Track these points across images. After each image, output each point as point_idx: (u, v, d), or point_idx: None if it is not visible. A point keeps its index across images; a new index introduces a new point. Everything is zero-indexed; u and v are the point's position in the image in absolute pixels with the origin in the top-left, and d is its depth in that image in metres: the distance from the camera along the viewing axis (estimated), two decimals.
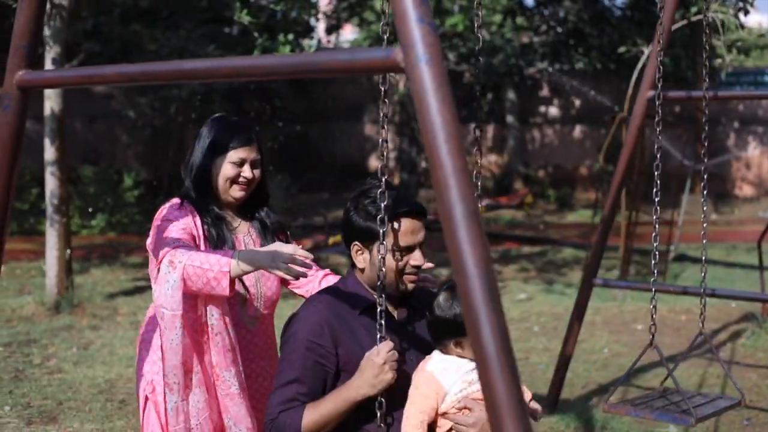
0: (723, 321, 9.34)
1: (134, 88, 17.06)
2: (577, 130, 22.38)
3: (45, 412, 6.24)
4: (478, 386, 2.73)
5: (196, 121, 20.96)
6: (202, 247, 3.43)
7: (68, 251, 9.63)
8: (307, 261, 3.15)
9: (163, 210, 3.50)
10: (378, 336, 2.93)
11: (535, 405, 3.18)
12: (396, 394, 2.99)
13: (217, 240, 3.48)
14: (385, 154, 2.97)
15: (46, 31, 9.39)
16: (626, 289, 9.82)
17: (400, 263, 3.06)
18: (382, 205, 2.86)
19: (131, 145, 18.53)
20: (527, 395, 3.11)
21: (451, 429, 3.02)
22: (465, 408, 3.00)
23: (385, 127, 3.02)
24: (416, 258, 3.07)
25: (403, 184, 18.15)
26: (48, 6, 9.30)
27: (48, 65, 9.40)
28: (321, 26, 22.41)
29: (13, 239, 14.75)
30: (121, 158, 20.42)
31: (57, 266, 9.53)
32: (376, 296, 2.93)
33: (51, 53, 9.38)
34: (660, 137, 4.71)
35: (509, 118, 21.60)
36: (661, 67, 5.15)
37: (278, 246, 3.20)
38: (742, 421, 6.33)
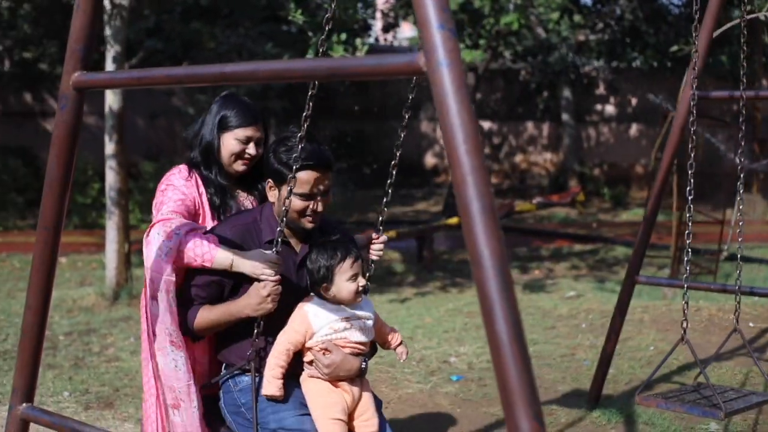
0: None
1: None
2: (633, 129, 22.29)
3: (102, 398, 6.48)
4: (342, 335, 3.54)
5: None
6: (206, 212, 3.78)
7: (127, 244, 9.89)
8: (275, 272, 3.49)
9: (171, 175, 3.81)
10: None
11: (402, 349, 3.78)
12: (278, 317, 3.52)
13: (219, 206, 3.81)
14: (401, 138, 3.72)
15: (107, 31, 9.66)
16: (667, 287, 9.83)
17: (301, 206, 3.54)
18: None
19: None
20: (397, 339, 3.79)
21: (312, 362, 3.56)
22: (326, 350, 3.52)
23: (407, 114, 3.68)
24: (317, 205, 3.56)
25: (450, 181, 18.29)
26: (108, 6, 9.57)
27: (108, 64, 9.67)
28: (379, 24, 22.56)
29: (75, 232, 15.14)
30: (181, 154, 20.76)
31: (116, 259, 9.81)
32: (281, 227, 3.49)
33: (111, 52, 9.64)
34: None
35: (565, 116, 21.58)
36: (698, 68, 5.23)
37: (260, 256, 3.48)
38: None
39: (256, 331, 3.51)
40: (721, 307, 9.77)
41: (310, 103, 3.37)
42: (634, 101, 22.16)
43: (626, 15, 18.68)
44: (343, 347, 3.54)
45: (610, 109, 22.59)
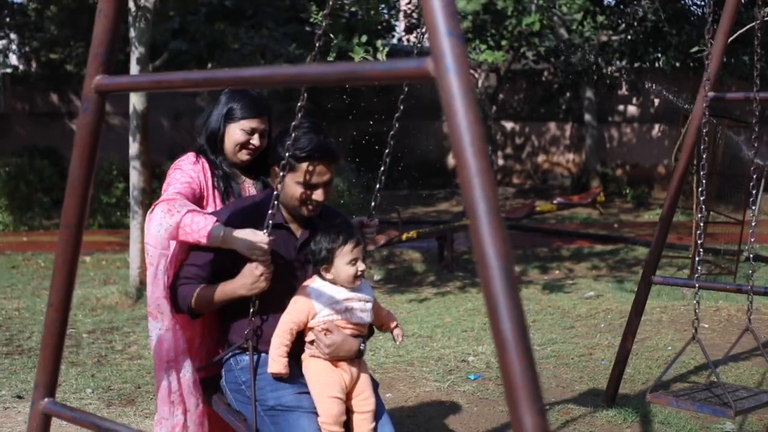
0: None
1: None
2: (656, 129, 22.27)
3: (124, 395, 6.59)
4: (343, 315, 3.65)
5: (279, 119, 21.43)
6: (211, 196, 3.96)
7: None
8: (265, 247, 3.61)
9: (180, 161, 4.01)
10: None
11: (398, 331, 3.91)
12: (277, 298, 3.66)
13: (224, 191, 3.99)
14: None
15: (132, 33, 9.79)
16: (683, 287, 9.85)
17: (303, 195, 3.67)
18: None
19: None
20: (393, 322, 3.91)
21: (312, 341, 3.67)
22: (327, 330, 3.64)
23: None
24: (317, 194, 3.68)
25: None
26: (133, 8, 9.69)
27: (133, 65, 9.80)
28: (402, 25, 22.61)
29: (100, 232, 15.30)
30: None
31: (140, 258, 9.92)
32: (283, 213, 3.72)
33: (135, 54, 9.77)
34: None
35: (587, 117, 21.59)
36: (713, 69, 5.27)
37: (251, 235, 3.61)
38: None
39: (251, 310, 3.66)
40: (740, 307, 9.77)
41: (305, 94, 3.51)
42: (656, 102, 22.14)
43: (649, 15, 18.65)
44: (343, 328, 3.66)
45: (632, 109, 22.58)
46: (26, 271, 11.67)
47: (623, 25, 19.88)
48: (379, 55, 8.31)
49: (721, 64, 5.96)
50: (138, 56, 9.77)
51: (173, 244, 3.70)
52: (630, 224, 17.55)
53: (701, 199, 4.85)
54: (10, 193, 15.43)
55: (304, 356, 3.71)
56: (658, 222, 6.48)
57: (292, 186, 3.68)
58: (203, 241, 3.63)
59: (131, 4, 9.68)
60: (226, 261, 3.70)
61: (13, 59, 21.94)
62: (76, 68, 19.22)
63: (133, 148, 9.93)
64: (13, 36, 20.29)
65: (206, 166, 4.00)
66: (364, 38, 8.45)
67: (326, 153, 3.67)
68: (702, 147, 4.75)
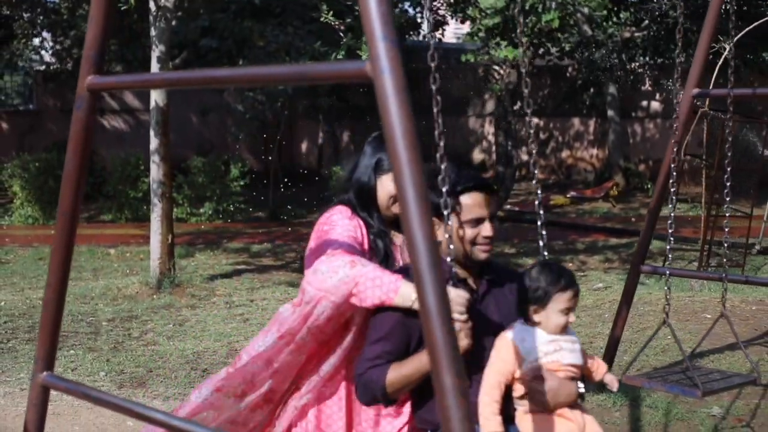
0: None
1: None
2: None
3: (136, 378, 6.92)
4: (553, 357, 3.26)
5: (303, 115, 21.75)
6: (368, 257, 3.59)
7: (170, 235, 10.34)
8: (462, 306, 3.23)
9: (332, 216, 3.70)
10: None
11: (610, 377, 3.49)
12: (475, 359, 3.26)
13: (384, 252, 3.68)
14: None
15: (152, 32, 10.11)
16: (673, 277, 10.02)
17: (471, 235, 3.34)
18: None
19: (240, 137, 19.33)
20: (603, 368, 3.49)
21: (525, 394, 3.27)
22: (540, 377, 3.24)
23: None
24: (486, 229, 3.34)
25: (499, 176, 18.47)
26: (153, 8, 10.02)
27: (153, 63, 10.11)
28: (426, 23, 22.79)
29: (126, 225, 15.72)
30: (232, 149, 21.32)
31: (160, 249, 10.26)
32: (455, 267, 3.29)
33: (156, 52, 10.09)
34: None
35: (610, 113, 21.71)
36: (699, 66, 5.50)
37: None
38: None
39: None
40: (744, 299, 9.97)
41: (439, 120, 3.06)
42: (680, 97, 22.20)
43: (670, 12, 18.76)
44: (555, 371, 3.28)
45: (655, 105, 22.67)
46: (48, 262, 12.01)
47: (646, 22, 20.00)
48: None
49: (705, 62, 6.19)
50: (159, 54, 10.08)
51: (339, 293, 3.35)
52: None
53: (672, 190, 5.05)
54: (39, 187, 15.87)
55: (518, 415, 3.32)
56: (647, 214, 6.71)
57: (456, 229, 3.35)
58: (391, 299, 3.28)
59: (151, 4, 10.01)
60: (413, 329, 3.31)
61: (46, 57, 22.40)
62: (106, 65, 19.62)
63: (154, 142, 10.27)
64: (45, 34, 20.74)
65: (361, 222, 3.68)
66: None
67: (481, 182, 3.39)
68: (673, 141, 4.96)
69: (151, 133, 10.31)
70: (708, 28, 6.03)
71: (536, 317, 3.27)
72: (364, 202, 3.72)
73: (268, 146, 19.66)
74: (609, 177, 21.53)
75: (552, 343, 3.26)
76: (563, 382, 3.25)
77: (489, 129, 24.02)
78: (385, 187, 3.67)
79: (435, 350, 2.38)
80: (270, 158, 18.52)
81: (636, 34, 20.56)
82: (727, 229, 5.65)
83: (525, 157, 22.54)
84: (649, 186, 21.15)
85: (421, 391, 3.39)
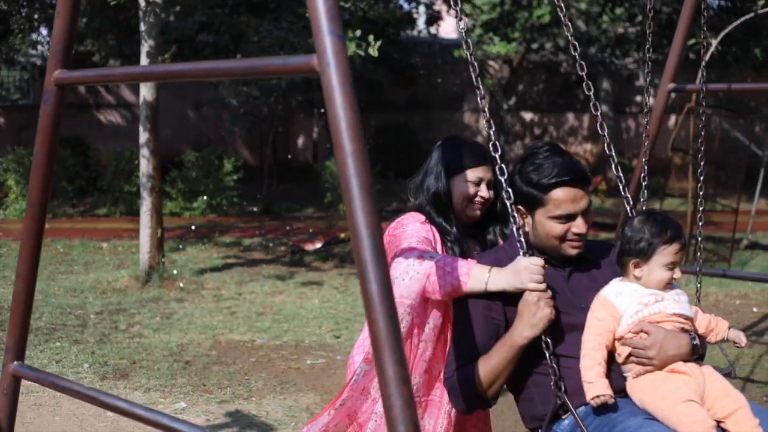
0: None
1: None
2: (672, 120, 22.37)
3: (119, 369, 6.99)
4: (654, 308, 3.02)
5: (297, 110, 21.79)
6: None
7: (160, 229, 10.41)
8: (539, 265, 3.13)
9: (403, 220, 3.59)
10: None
11: (735, 332, 3.25)
12: (564, 339, 3.10)
13: (461, 256, 3.50)
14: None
15: (142, 27, 10.17)
16: None
17: (561, 230, 3.15)
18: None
19: (233, 132, 19.38)
20: (723, 325, 3.23)
21: (630, 355, 3.02)
22: (642, 332, 3.00)
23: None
24: (578, 226, 3.15)
25: None
26: (143, 3, 10.07)
27: (143, 58, 10.16)
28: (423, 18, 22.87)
29: (120, 219, 15.78)
30: (229, 143, 21.39)
31: (149, 243, 10.33)
32: (543, 257, 3.14)
33: (145, 47, 10.14)
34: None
35: (604, 108, 21.76)
36: (675, 62, 5.55)
37: (520, 260, 3.14)
38: (762, 398, 6.65)
39: (547, 353, 3.04)
40: (728, 293, 10.03)
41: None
42: (672, 93, 22.24)
43: (664, 8, 18.82)
44: (659, 323, 3.03)
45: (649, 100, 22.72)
46: (45, 256, 12.07)
47: (639, 17, 20.05)
48: (371, 50, 8.65)
49: (680, 58, 6.25)
50: (148, 49, 10.13)
51: (413, 293, 3.28)
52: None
53: (643, 184, 5.10)
54: None
55: (628, 384, 3.04)
56: (622, 212, 6.76)
57: (545, 223, 3.17)
58: (464, 283, 3.16)
59: (141, 0, 10.06)
60: (498, 315, 3.19)
61: (44, 52, 22.44)
62: (103, 60, 19.68)
63: (143, 136, 10.33)
64: (43, 30, 20.79)
65: (434, 229, 3.56)
66: (358, 33, 8.77)
67: (577, 174, 3.17)
68: (644, 135, 5.02)
69: (140, 127, 10.37)
70: (683, 23, 6.08)
71: (637, 272, 3.05)
72: (440, 208, 3.60)
73: (263, 141, 19.73)
74: (603, 172, 21.59)
75: (652, 295, 3.04)
76: (670, 333, 2.99)
77: (484, 124, 24.04)
78: (458, 188, 3.59)
79: (377, 339, 2.43)
80: (264, 153, 18.56)
81: (629, 30, 20.63)
82: (701, 223, 5.64)
83: (519, 152, 22.57)
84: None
85: (513, 386, 3.23)
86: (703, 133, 5.51)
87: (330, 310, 9.16)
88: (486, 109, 3.27)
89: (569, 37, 3.71)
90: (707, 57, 10.73)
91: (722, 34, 10.56)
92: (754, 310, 9.31)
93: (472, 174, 3.58)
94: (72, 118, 20.56)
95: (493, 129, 3.21)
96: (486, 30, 18.65)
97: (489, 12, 19.55)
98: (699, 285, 5.58)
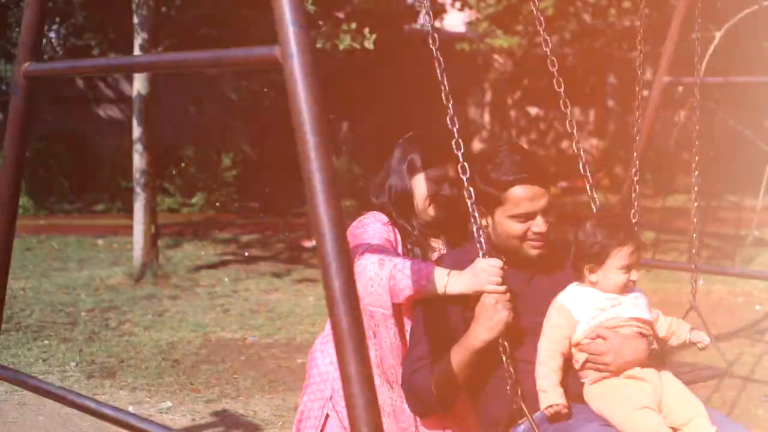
0: None
1: (238, 71, 17.80)
2: (680, 115, 22.25)
3: (106, 368, 6.89)
4: (611, 313, 2.94)
5: None
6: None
7: (153, 225, 10.31)
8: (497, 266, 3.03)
9: (365, 219, 3.50)
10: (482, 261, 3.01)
11: (698, 333, 3.18)
12: (524, 342, 3.01)
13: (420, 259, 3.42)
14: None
15: (135, 19, 10.07)
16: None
17: (520, 230, 3.07)
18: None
19: (232, 127, 19.30)
20: (684, 326, 3.15)
21: (586, 361, 2.97)
22: (598, 337, 2.95)
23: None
24: (538, 225, 3.06)
25: None
26: None
27: (136, 50, 10.07)
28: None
29: (117, 215, 15.70)
30: (228, 139, 21.28)
31: (143, 239, 10.24)
32: (503, 258, 3.03)
33: (138, 40, 10.05)
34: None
35: (610, 102, 21.65)
36: (668, 54, 5.44)
37: (478, 262, 3.05)
38: (760, 397, 6.55)
39: (504, 357, 2.94)
40: (732, 290, 9.92)
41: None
42: (680, 87, 22.10)
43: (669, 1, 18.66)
44: (615, 328, 2.97)
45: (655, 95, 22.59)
46: (39, 253, 12.02)
47: (647, 11, 19.89)
48: (366, 42, 8.52)
49: (675, 52, 6.13)
50: (141, 42, 10.04)
51: (386, 301, 3.18)
52: (647, 209, 17.59)
53: (635, 179, 4.99)
54: (29, 177, 15.83)
55: (584, 390, 2.99)
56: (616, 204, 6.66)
57: (504, 223, 3.09)
58: (423, 287, 3.08)
59: None
60: (456, 318, 3.11)
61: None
62: (101, 54, 19.61)
63: (137, 131, 10.25)
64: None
65: (396, 230, 3.46)
66: (353, 25, 8.65)
67: (536, 172, 3.09)
68: (636, 129, 4.93)
69: (134, 122, 10.30)
70: (678, 16, 5.96)
71: (593, 276, 2.99)
72: (402, 208, 3.50)
73: (263, 136, 19.62)
74: (609, 167, 21.47)
75: (609, 300, 2.97)
76: (627, 339, 2.93)
77: (488, 118, 23.95)
78: (420, 187, 3.48)
79: (340, 338, 2.34)
80: (264, 148, 18.48)
81: (636, 23, 20.48)
82: (695, 220, 5.52)
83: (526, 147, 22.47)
84: (649, 177, 21.05)
85: (477, 390, 3.16)
86: (697, 128, 5.36)
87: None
88: (450, 106, 3.14)
89: (542, 33, 3.58)
90: (710, 49, 10.60)
91: (726, 26, 10.38)
92: (757, 308, 9.20)
93: (433, 172, 3.46)
94: (70, 112, 20.48)
95: (457, 127, 3.10)
96: (490, 23, 18.53)
97: (495, 5, 19.45)
98: (694, 283, 5.45)
